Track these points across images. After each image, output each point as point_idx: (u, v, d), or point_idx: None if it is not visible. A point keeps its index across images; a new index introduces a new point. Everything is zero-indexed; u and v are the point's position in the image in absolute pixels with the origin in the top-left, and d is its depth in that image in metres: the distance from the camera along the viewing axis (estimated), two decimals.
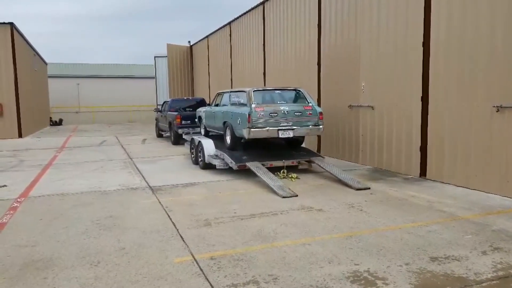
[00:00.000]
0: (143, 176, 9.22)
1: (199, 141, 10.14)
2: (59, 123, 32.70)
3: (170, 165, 10.96)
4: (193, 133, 13.38)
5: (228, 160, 8.93)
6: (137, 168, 10.39)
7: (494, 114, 6.93)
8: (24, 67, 21.42)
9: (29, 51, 23.83)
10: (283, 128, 8.50)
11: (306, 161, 9.38)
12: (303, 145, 10.20)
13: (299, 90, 9.30)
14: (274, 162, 8.89)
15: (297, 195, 7.15)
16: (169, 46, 25.31)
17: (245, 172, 8.86)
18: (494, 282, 3.80)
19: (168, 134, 16.68)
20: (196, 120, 12.76)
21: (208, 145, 9.85)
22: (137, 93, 35.53)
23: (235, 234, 5.25)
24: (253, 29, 16.80)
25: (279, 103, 8.86)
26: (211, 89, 22.62)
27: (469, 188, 7.40)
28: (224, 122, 9.71)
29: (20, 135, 19.73)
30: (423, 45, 8.33)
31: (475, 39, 7.25)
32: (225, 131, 9.68)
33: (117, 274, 4.12)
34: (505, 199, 6.67)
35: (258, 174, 8.13)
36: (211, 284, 3.85)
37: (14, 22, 19.34)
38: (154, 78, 27.31)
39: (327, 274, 4.02)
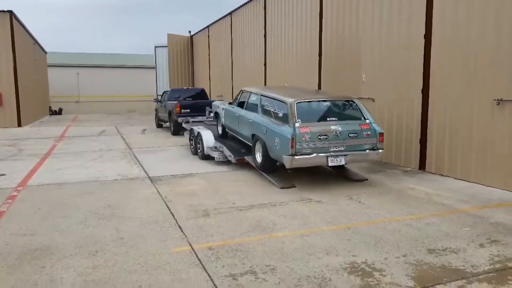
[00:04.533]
0: (142, 166, 9.22)
1: (198, 132, 10.11)
2: (58, 112, 32.64)
3: (170, 155, 10.94)
4: (192, 122, 13.34)
5: (227, 153, 8.90)
6: (136, 158, 10.38)
7: (494, 107, 6.90)
8: (23, 56, 21.31)
9: (29, 40, 23.68)
10: (334, 154, 6.74)
11: None
12: None
13: (353, 101, 7.39)
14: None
15: (295, 186, 7.15)
16: (170, 36, 25.15)
17: (244, 163, 8.85)
18: (491, 274, 3.81)
19: (168, 124, 16.65)
20: (210, 113, 11.72)
21: (208, 137, 9.82)
22: (137, 83, 35.41)
23: (233, 225, 5.26)
24: (255, 20, 16.67)
25: (329, 120, 6.91)
26: (212, 79, 22.53)
27: (469, 181, 7.39)
28: (253, 135, 7.94)
29: (19, 124, 19.68)
30: (424, 38, 8.26)
31: (478, 32, 7.19)
32: (254, 146, 7.88)
33: (115, 263, 4.12)
34: (505, 193, 6.67)
35: (256, 167, 8.11)
36: (208, 274, 3.86)
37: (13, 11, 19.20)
38: (154, 68, 27.19)
39: (325, 265, 4.03)
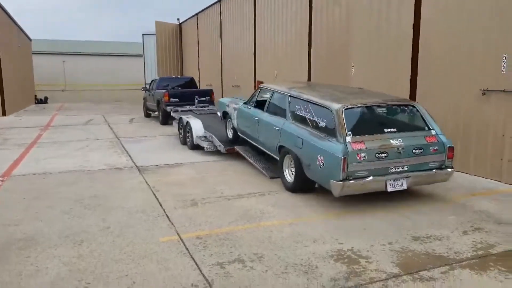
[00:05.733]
0: (130, 156, 9.14)
1: (187, 121, 10.03)
2: (44, 101, 32.06)
3: (158, 144, 10.86)
4: (181, 111, 13.22)
5: (217, 143, 8.85)
6: (124, 147, 10.28)
7: (480, 98, 6.97)
8: (7, 44, 20.82)
9: (13, 27, 23.13)
10: (394, 176, 5.25)
11: None
12: None
13: (413, 106, 5.80)
14: None
15: None
16: (158, 24, 24.81)
17: (233, 154, 8.82)
18: (474, 261, 3.87)
19: (156, 113, 16.50)
20: (218, 114, 9.72)
21: (197, 126, 9.74)
22: (125, 71, 35.00)
23: (221, 214, 5.25)
24: (244, 7, 16.50)
25: (387, 131, 5.34)
26: (201, 68, 22.34)
27: (455, 171, 7.48)
28: (281, 147, 6.34)
29: (3, 113, 19.31)
30: (413, 28, 8.27)
31: (466, 22, 7.21)
32: (282, 160, 6.33)
33: (101, 253, 4.10)
34: (490, 182, 6.77)
35: (246, 157, 8.10)
36: (196, 263, 3.86)
37: None
38: (142, 56, 26.84)
39: (312, 253, 4.06)
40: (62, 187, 6.59)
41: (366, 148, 5.05)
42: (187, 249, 4.18)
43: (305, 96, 6.11)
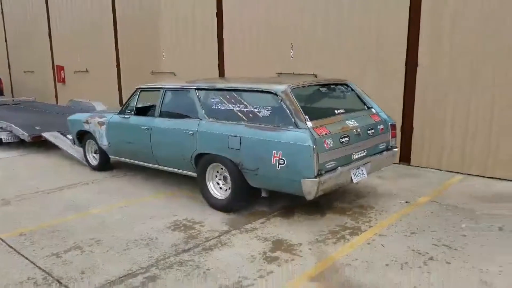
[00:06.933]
0: None
1: None
2: None
3: None
4: None
5: (19, 131, 7.84)
6: None
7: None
8: None
9: None
10: (357, 163, 4.45)
11: None
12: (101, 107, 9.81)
13: (348, 85, 5.17)
14: None
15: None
16: None
17: (44, 144, 8.03)
18: (282, 211, 4.76)
19: None
20: (68, 138, 7.26)
21: None
22: None
23: (42, 209, 4.90)
24: None
25: (338, 113, 4.61)
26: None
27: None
28: (199, 155, 4.83)
29: None
30: (217, 16, 9.04)
31: (264, 15, 8.33)
32: (204, 173, 4.84)
33: None
34: None
35: (60, 146, 7.52)
36: (27, 258, 3.60)
37: None
38: None
39: (150, 228, 4.27)
40: None
41: (330, 132, 4.13)
42: (11, 247, 3.83)
43: (229, 85, 4.86)
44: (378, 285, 3.09)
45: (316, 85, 4.95)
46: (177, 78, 9.94)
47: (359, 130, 4.48)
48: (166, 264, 3.50)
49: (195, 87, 5.05)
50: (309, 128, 4.00)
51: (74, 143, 6.97)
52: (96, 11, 12.17)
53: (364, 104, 5.07)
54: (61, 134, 7.87)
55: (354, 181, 4.38)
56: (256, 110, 4.43)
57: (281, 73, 8.06)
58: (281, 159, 4.03)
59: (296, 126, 4.06)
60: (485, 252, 3.57)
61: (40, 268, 3.45)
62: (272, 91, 4.34)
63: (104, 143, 6.17)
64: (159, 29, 10.40)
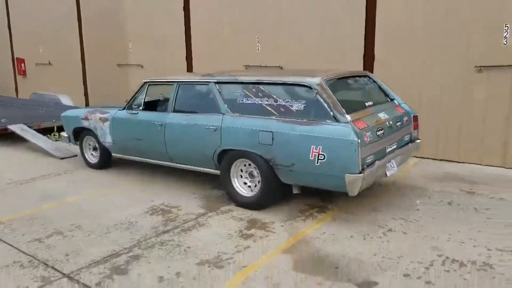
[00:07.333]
0: None
1: None
2: None
3: None
4: None
5: None
6: None
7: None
8: None
9: None
10: (390, 156, 4.35)
11: None
12: (71, 103, 9.78)
13: (370, 77, 5.12)
14: (42, 123, 8.21)
15: (76, 155, 7.03)
16: None
17: (11, 138, 7.91)
18: None
19: None
20: (64, 136, 6.67)
21: None
22: None
23: (18, 199, 4.96)
24: None
25: (368, 105, 4.49)
26: None
27: None
28: (223, 152, 4.61)
29: None
30: (184, 10, 9.16)
31: (234, 13, 8.53)
32: (228, 169, 4.61)
33: None
34: None
35: (27, 138, 7.45)
36: (9, 244, 3.71)
37: None
38: None
39: (128, 214, 4.44)
40: None
41: (368, 126, 3.99)
42: None
43: (256, 78, 4.57)
44: (343, 253, 3.45)
45: (343, 77, 4.66)
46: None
47: (390, 122, 4.40)
48: (148, 244, 3.71)
49: (215, 81, 4.78)
50: (349, 121, 3.84)
51: (70, 141, 6.56)
52: (59, 1, 11.92)
53: (387, 95, 5.00)
54: (28, 126, 7.81)
55: (388, 174, 4.30)
56: (288, 103, 4.24)
57: (248, 66, 8.32)
58: (321, 154, 3.87)
59: (336, 119, 3.88)
60: (436, 223, 4.02)
61: (24, 252, 3.57)
62: (306, 84, 4.15)
63: (107, 140, 5.82)
64: (125, 21, 10.37)
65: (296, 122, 4.07)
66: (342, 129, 3.81)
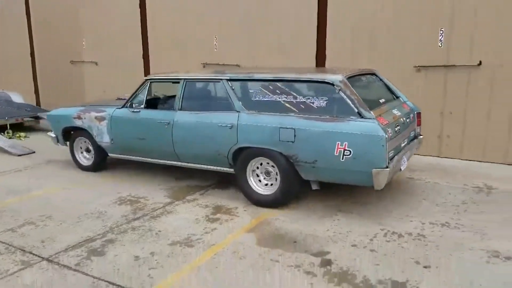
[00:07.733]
0: None
1: None
2: None
3: None
4: None
5: None
6: None
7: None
8: None
9: None
10: (403, 152, 4.49)
11: (32, 117, 8.90)
12: (22, 100, 9.59)
13: (376, 75, 5.22)
14: None
15: (34, 152, 7.01)
16: None
17: None
18: (216, 183, 5.39)
19: None
20: (51, 136, 6.22)
21: None
22: None
23: None
24: None
25: (382, 102, 4.60)
26: None
27: None
28: (239, 150, 4.54)
29: None
30: (140, 7, 9.27)
31: (190, 12, 8.77)
32: (245, 168, 4.55)
33: None
34: None
35: None
36: None
37: None
38: None
39: (97, 204, 4.63)
40: None
41: (389, 122, 4.10)
42: None
43: (274, 75, 4.49)
44: (301, 231, 3.90)
45: (356, 75, 4.61)
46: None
47: (404, 119, 4.55)
48: (120, 230, 3.95)
49: (227, 78, 4.67)
50: (375, 117, 3.91)
51: (58, 142, 6.14)
52: None
53: (393, 93, 5.13)
54: None
55: (402, 169, 4.39)
56: (309, 100, 4.23)
57: (206, 63, 8.62)
58: (347, 150, 3.91)
59: (361, 116, 3.93)
60: (381, 205, 4.57)
61: None
62: (329, 81, 4.15)
63: (104, 140, 5.56)
64: (79, 16, 10.28)
65: (319, 119, 4.09)
66: (370, 125, 3.87)
